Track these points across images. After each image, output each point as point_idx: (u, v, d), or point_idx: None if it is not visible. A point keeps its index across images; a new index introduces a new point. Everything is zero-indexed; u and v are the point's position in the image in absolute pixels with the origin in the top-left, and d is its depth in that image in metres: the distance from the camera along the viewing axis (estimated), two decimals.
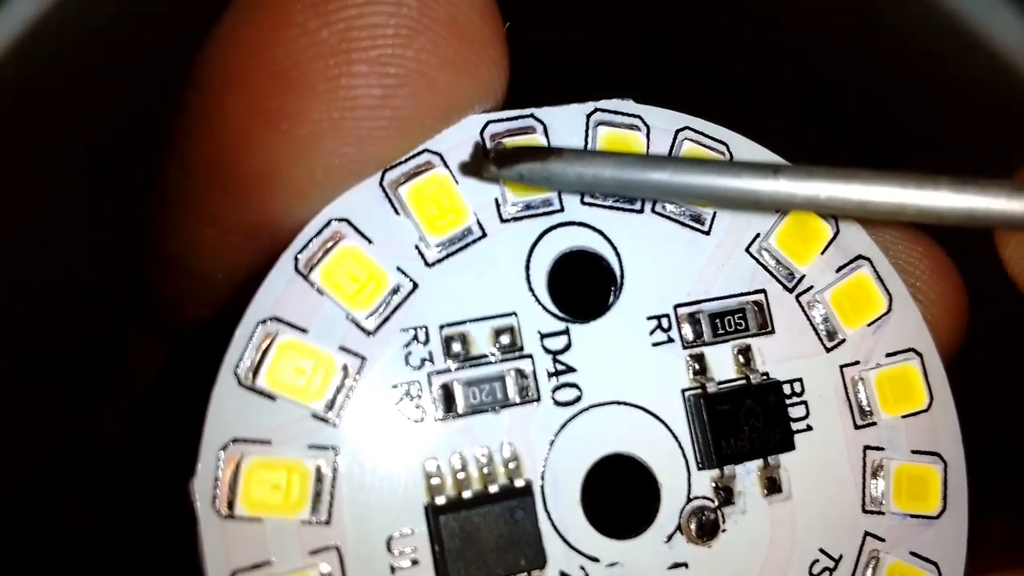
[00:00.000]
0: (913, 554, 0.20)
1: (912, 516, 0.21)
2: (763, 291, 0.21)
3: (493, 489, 0.18)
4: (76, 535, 0.26)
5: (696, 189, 0.19)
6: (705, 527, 0.19)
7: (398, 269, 0.19)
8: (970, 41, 0.31)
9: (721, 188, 0.19)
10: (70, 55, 0.32)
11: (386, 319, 0.18)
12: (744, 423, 0.20)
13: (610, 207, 0.20)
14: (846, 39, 0.35)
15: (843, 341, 0.21)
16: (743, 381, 0.20)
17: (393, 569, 0.18)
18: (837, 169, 0.19)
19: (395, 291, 0.19)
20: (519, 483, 0.19)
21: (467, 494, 0.18)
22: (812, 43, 0.35)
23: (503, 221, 0.19)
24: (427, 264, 0.19)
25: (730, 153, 0.21)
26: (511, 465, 0.19)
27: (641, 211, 0.20)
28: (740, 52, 0.37)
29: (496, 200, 0.19)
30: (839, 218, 0.21)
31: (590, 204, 0.20)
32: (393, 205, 0.19)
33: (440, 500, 0.18)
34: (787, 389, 0.20)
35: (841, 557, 0.20)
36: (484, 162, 0.19)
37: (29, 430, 0.26)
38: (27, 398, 0.28)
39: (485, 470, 0.18)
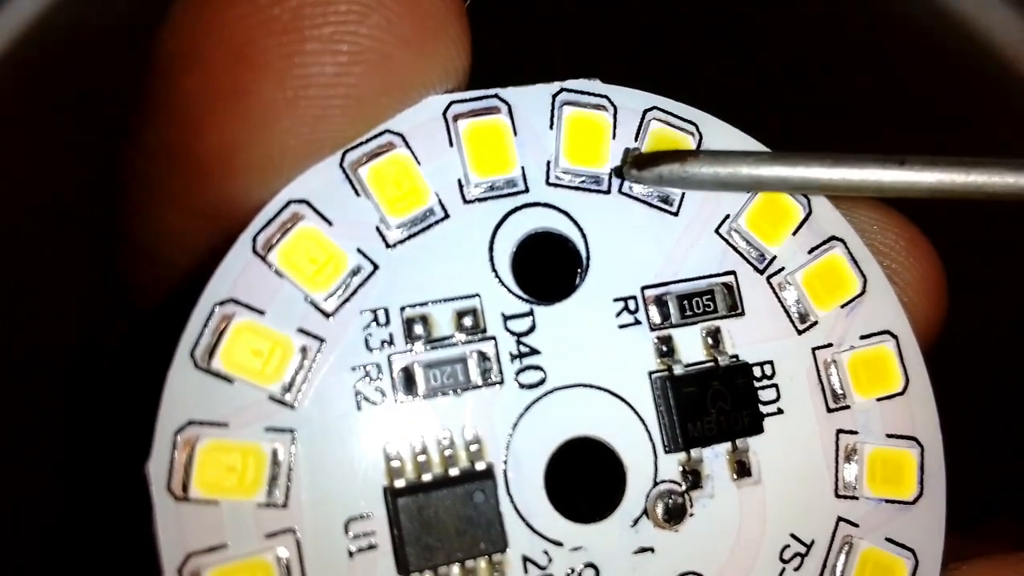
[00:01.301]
0: (889, 540, 0.20)
1: (887, 501, 0.20)
2: (733, 273, 0.20)
3: (454, 472, 0.18)
4: (37, 517, 0.26)
5: (831, 183, 0.20)
6: (672, 511, 0.19)
7: (358, 251, 0.18)
8: (970, 41, 0.31)
9: (857, 181, 0.19)
10: (70, 55, 0.32)
11: (346, 301, 0.18)
12: (711, 405, 0.19)
13: (576, 188, 0.20)
14: (846, 39, 0.34)
15: (815, 323, 0.20)
16: (711, 363, 0.20)
17: (351, 552, 0.18)
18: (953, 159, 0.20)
19: (355, 272, 0.18)
20: (480, 466, 0.18)
21: (427, 477, 0.18)
22: (811, 43, 0.35)
23: (466, 202, 0.19)
24: (388, 246, 0.19)
25: (700, 134, 0.21)
26: (473, 448, 0.18)
27: (608, 192, 0.20)
28: (733, 48, 0.36)
29: (459, 181, 0.19)
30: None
31: (555, 185, 0.20)
32: (353, 186, 0.19)
33: (399, 483, 0.18)
34: (757, 372, 0.20)
35: (813, 542, 0.20)
36: (625, 165, 0.20)
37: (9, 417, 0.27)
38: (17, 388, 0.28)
39: (446, 453, 0.18)
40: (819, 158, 0.20)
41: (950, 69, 0.32)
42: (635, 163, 0.20)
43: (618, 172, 0.20)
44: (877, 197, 0.21)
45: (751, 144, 0.21)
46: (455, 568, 0.18)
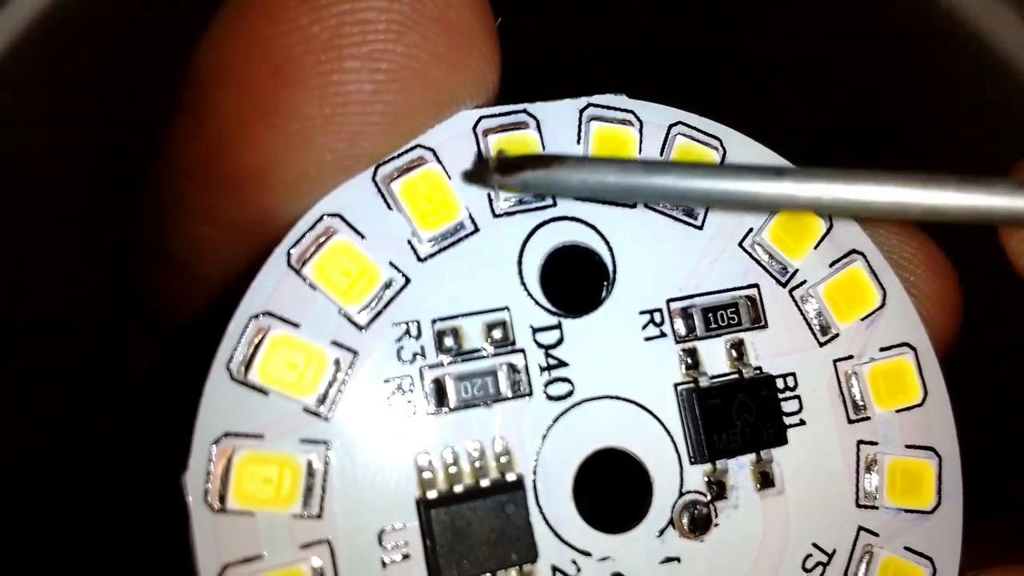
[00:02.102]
0: (908, 549, 0.20)
1: (906, 511, 0.21)
2: (756, 285, 0.21)
3: (485, 483, 0.18)
4: (74, 532, 0.26)
5: (698, 193, 0.19)
6: (697, 521, 0.19)
7: (390, 264, 0.19)
8: (970, 41, 0.31)
9: (723, 192, 0.18)
10: (70, 55, 0.32)
11: (378, 314, 0.18)
12: (736, 417, 0.20)
13: (603, 202, 0.20)
14: (846, 39, 0.34)
15: (836, 336, 0.21)
16: (735, 375, 0.20)
17: (384, 563, 0.18)
18: (839, 171, 0.19)
19: (387, 286, 0.19)
20: (511, 477, 0.19)
21: (458, 488, 0.18)
22: (811, 42, 0.35)
23: (496, 216, 0.19)
24: (419, 259, 0.19)
25: (723, 148, 0.21)
26: (503, 459, 0.19)
27: (634, 206, 0.20)
28: (737, 51, 0.37)
29: (489, 195, 0.19)
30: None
31: (583, 199, 0.20)
32: (386, 200, 0.19)
33: (432, 494, 0.18)
34: (780, 383, 0.20)
35: (835, 551, 0.20)
36: (486, 171, 0.19)
37: (26, 430, 0.27)
38: (25, 397, 0.29)
39: (477, 464, 0.19)
40: (689, 170, 0.19)
41: (950, 69, 0.32)
42: (498, 168, 0.19)
43: (478, 176, 0.19)
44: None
45: (774, 159, 0.21)
46: None
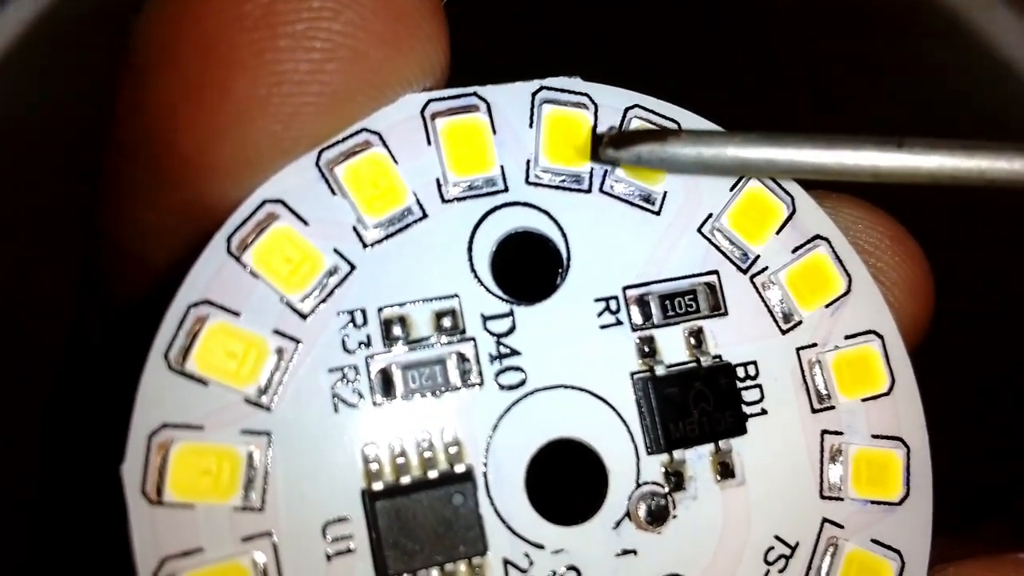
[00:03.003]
0: (875, 541, 0.20)
1: (873, 502, 0.20)
2: (716, 272, 0.20)
3: (433, 475, 0.18)
4: (16, 518, 0.26)
5: (817, 166, 0.19)
6: (655, 513, 0.19)
7: (335, 251, 0.18)
8: (970, 41, 0.31)
9: (845, 163, 0.18)
10: (70, 55, 0.32)
11: (322, 301, 0.18)
12: (693, 406, 0.19)
13: (556, 187, 0.20)
14: (845, 38, 0.34)
15: (799, 323, 0.20)
16: (693, 364, 0.20)
17: (328, 556, 0.17)
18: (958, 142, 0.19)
19: (331, 273, 0.18)
20: (459, 469, 0.18)
21: (405, 480, 0.18)
22: (810, 43, 0.34)
23: (445, 202, 0.19)
24: (365, 246, 0.18)
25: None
26: (452, 450, 0.18)
27: (589, 191, 0.20)
28: (732, 49, 0.36)
29: (437, 180, 0.19)
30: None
31: (535, 184, 0.20)
32: (330, 185, 0.18)
33: (377, 486, 0.18)
34: (741, 372, 0.20)
35: (798, 544, 0.20)
36: (601, 145, 0.19)
37: None
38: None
39: (425, 455, 0.18)
40: (810, 139, 0.19)
41: (949, 69, 0.32)
42: (612, 142, 0.19)
43: (595, 156, 0.19)
44: (873, 183, 0.20)
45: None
46: (434, 572, 0.18)
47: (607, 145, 0.19)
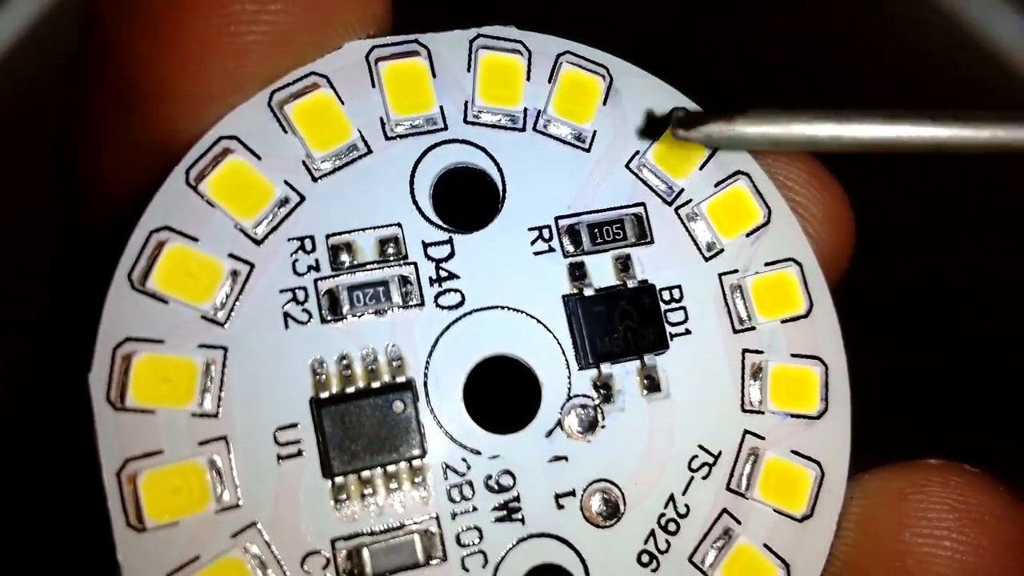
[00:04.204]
0: (794, 452, 0.21)
1: (792, 416, 0.21)
2: (643, 204, 0.22)
3: (376, 385, 0.20)
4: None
5: (890, 141, 0.19)
6: (584, 423, 0.20)
7: (285, 183, 0.20)
8: (970, 41, 0.31)
9: (917, 138, 0.19)
10: (70, 55, 0.34)
11: (274, 229, 0.20)
12: (619, 323, 0.21)
13: (492, 126, 0.21)
14: (845, 39, 0.35)
15: (721, 251, 0.22)
16: (621, 286, 0.21)
17: (279, 458, 0.19)
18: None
19: (282, 203, 0.20)
20: (401, 379, 0.20)
21: (350, 389, 0.19)
22: (810, 43, 0.35)
23: (388, 139, 0.21)
24: (314, 179, 0.20)
25: (610, 76, 0.22)
26: (394, 364, 0.20)
27: (523, 130, 0.21)
28: (732, 51, 0.37)
29: (381, 119, 0.21)
30: None
31: (473, 123, 0.21)
32: (280, 123, 0.20)
33: (324, 394, 0.19)
34: (667, 295, 0.21)
35: (720, 453, 0.21)
36: (671, 125, 0.20)
37: None
38: None
39: (370, 368, 0.20)
40: (874, 116, 0.20)
41: (949, 69, 0.32)
42: (681, 123, 0.20)
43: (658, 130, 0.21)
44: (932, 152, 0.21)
45: (662, 88, 0.22)
46: (377, 472, 0.19)
47: (676, 126, 0.20)
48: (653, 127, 0.22)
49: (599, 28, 0.23)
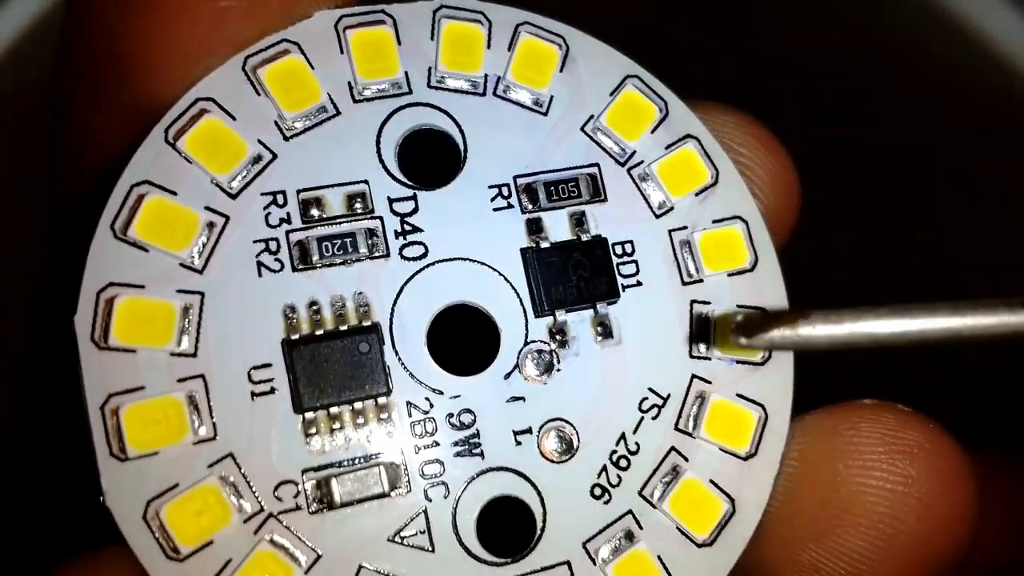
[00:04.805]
0: (740, 396, 0.23)
1: (738, 362, 0.23)
2: (597, 165, 0.23)
3: (344, 328, 0.21)
4: None
5: (956, 332, 0.19)
6: (540, 366, 0.22)
7: (258, 141, 0.21)
8: (970, 41, 0.31)
9: (977, 326, 0.19)
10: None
11: (248, 184, 0.21)
12: (572, 273, 0.22)
13: (454, 91, 0.23)
14: (845, 39, 0.35)
15: (671, 209, 0.23)
16: (575, 239, 0.22)
17: (253, 395, 0.20)
18: None
19: (256, 160, 0.21)
20: (367, 323, 0.21)
21: (320, 332, 0.21)
22: (809, 43, 0.35)
23: (356, 101, 0.22)
24: (285, 138, 0.21)
25: (567, 46, 0.23)
26: (362, 310, 0.21)
27: (484, 95, 0.23)
28: (732, 52, 0.38)
29: (349, 83, 0.22)
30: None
31: (436, 88, 0.23)
32: (254, 86, 0.21)
33: (295, 336, 0.21)
34: (619, 250, 0.23)
35: (669, 396, 0.22)
36: (732, 333, 0.21)
37: None
38: None
39: (338, 313, 0.21)
40: (935, 308, 0.19)
41: (949, 70, 0.33)
42: (742, 330, 0.20)
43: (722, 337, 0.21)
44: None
45: (619, 59, 0.24)
46: (345, 409, 0.21)
47: (738, 333, 0.21)
48: (707, 331, 0.22)
49: (599, 28, 0.24)
